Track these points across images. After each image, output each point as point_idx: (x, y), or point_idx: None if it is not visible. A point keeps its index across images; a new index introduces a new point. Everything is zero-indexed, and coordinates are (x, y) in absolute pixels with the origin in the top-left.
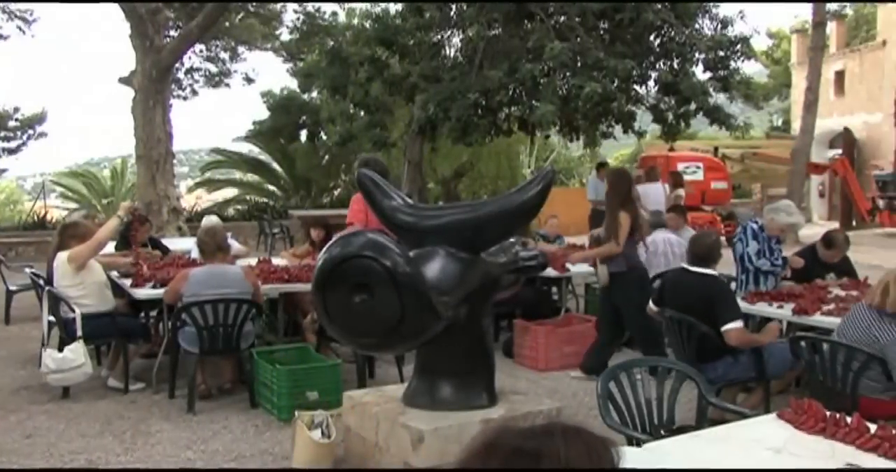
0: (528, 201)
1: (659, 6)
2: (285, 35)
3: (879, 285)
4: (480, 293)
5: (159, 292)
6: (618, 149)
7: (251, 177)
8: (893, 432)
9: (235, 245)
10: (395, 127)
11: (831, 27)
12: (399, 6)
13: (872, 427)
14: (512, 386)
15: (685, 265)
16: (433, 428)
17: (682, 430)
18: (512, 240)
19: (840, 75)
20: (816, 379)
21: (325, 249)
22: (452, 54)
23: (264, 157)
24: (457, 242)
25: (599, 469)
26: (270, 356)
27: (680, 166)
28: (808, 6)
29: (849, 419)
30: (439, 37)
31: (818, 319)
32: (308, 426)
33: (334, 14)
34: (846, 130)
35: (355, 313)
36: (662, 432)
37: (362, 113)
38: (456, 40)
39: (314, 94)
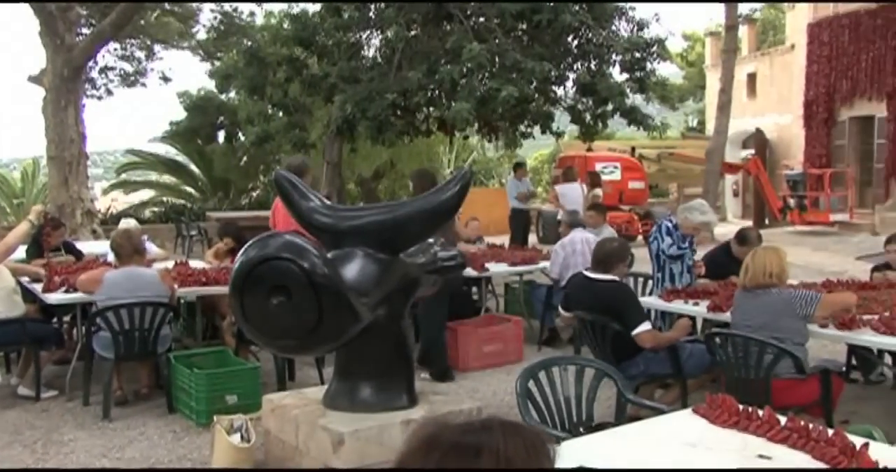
0: (446, 202)
1: (576, 8)
2: (202, 34)
3: (743, 267)
4: (399, 294)
5: (72, 296)
6: (537, 149)
7: (168, 178)
8: (801, 423)
9: (154, 249)
10: (314, 128)
11: (743, 31)
12: (317, 6)
13: (783, 419)
14: (432, 387)
15: (585, 272)
16: (353, 430)
17: (601, 427)
18: (431, 241)
19: (752, 77)
20: (731, 374)
21: (242, 250)
22: (371, 55)
23: (181, 158)
24: (375, 243)
25: (538, 469)
26: (188, 360)
27: (598, 166)
28: (722, 9)
29: (760, 412)
30: (358, 37)
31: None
32: (227, 430)
33: (252, 14)
34: (758, 130)
35: (273, 315)
36: (582, 429)
37: (281, 114)
38: (375, 41)
39: (232, 94)
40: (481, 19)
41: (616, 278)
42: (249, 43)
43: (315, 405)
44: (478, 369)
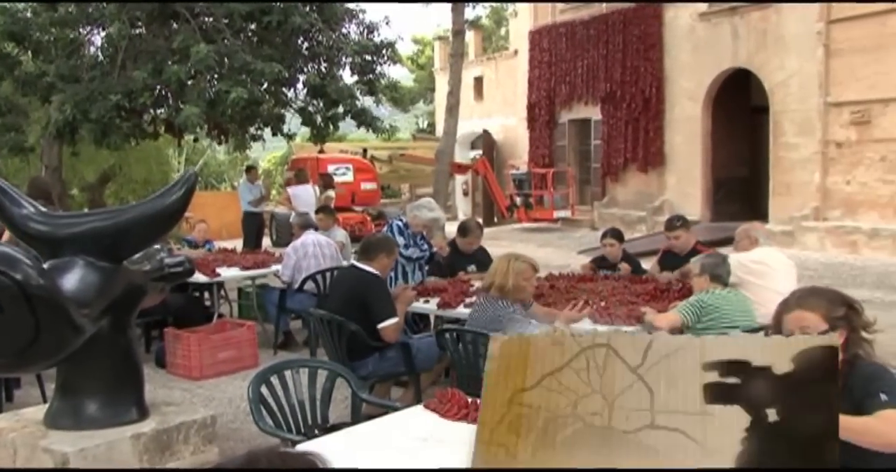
0: (169, 206)
1: (306, 9)
2: None
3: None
4: (124, 303)
5: None
6: (270, 151)
7: None
8: None
9: None
10: (32, 130)
11: (470, 36)
12: None
13: None
14: (165, 397)
15: (354, 261)
16: (79, 449)
17: (337, 428)
18: (157, 246)
19: (479, 81)
20: (462, 368)
21: None
22: (93, 53)
23: None
24: (96, 250)
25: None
26: None
27: (330, 168)
28: (449, 15)
29: None
30: (78, 34)
31: (461, 311)
32: None
33: None
34: (485, 132)
35: None
36: (317, 431)
37: None
38: (97, 38)
39: None
40: (209, 19)
41: (377, 271)
42: None
43: (35, 425)
44: (212, 377)
